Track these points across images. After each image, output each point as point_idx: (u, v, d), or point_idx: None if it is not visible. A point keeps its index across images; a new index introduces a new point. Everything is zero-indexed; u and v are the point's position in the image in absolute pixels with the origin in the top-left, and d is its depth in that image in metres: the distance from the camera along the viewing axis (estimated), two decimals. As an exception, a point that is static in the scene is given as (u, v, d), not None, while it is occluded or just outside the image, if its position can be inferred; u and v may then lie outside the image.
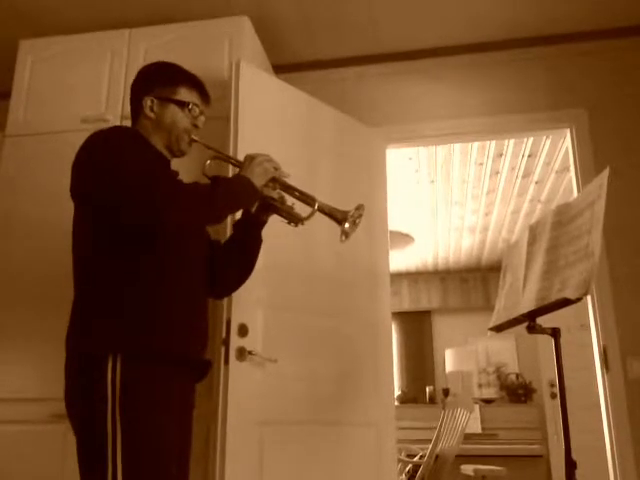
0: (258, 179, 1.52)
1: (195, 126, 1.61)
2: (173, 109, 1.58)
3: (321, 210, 1.54)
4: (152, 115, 1.58)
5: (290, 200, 1.62)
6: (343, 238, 1.53)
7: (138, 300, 1.38)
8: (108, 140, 1.44)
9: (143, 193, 1.33)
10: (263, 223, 1.69)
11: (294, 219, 1.60)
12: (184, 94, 1.60)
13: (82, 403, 1.33)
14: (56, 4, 2.72)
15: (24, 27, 2.81)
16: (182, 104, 1.58)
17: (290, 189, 1.59)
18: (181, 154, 1.63)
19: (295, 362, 2.18)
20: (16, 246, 2.35)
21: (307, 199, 1.56)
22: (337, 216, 1.54)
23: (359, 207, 1.55)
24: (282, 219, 1.63)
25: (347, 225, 1.52)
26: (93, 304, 1.39)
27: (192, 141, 1.61)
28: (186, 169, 1.70)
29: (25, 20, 2.81)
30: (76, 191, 1.45)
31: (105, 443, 1.26)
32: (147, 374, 1.34)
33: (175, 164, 1.65)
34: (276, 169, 1.57)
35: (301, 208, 1.60)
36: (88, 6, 2.73)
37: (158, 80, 1.61)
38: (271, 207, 1.63)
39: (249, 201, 1.59)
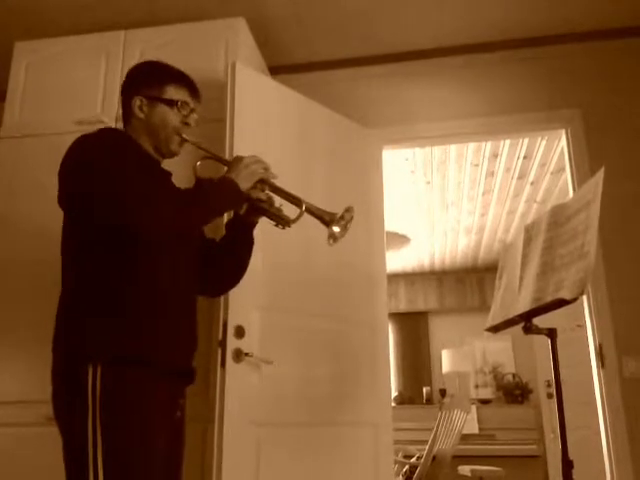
0: (244, 182, 1.49)
1: (186, 124, 1.58)
2: (162, 108, 1.55)
3: (309, 211, 1.52)
4: (142, 115, 1.55)
5: (279, 202, 1.60)
6: (331, 241, 1.50)
7: (122, 305, 1.37)
8: (91, 145, 1.43)
9: (120, 197, 1.31)
10: (253, 224, 1.68)
11: (282, 221, 1.58)
12: (172, 92, 1.57)
13: (65, 407, 1.33)
14: (51, 6, 2.71)
15: (19, 28, 2.80)
16: (171, 103, 1.56)
17: (278, 190, 1.57)
18: (171, 155, 1.60)
19: (292, 363, 2.18)
20: (12, 248, 2.34)
21: (294, 200, 1.54)
22: (325, 218, 1.51)
23: (348, 209, 1.52)
24: (270, 221, 1.61)
25: (336, 228, 1.50)
26: (77, 308, 1.38)
27: (183, 141, 1.58)
28: (179, 169, 1.68)
29: (20, 21, 2.80)
30: (61, 198, 1.44)
31: (86, 448, 1.26)
32: (128, 379, 1.32)
33: (169, 165, 1.63)
34: (266, 169, 1.54)
35: (290, 210, 1.57)
36: (83, 8, 2.72)
37: (145, 80, 1.59)
38: (259, 209, 1.61)
39: (234, 205, 1.57)
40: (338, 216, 1.50)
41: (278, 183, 1.57)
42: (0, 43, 2.83)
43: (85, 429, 1.27)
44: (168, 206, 1.37)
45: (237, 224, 1.68)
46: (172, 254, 1.49)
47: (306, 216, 1.54)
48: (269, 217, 1.61)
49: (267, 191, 1.57)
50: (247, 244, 1.70)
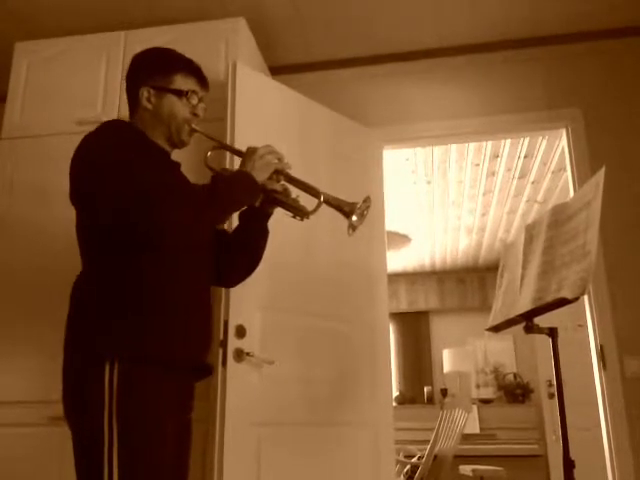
0: (260, 173, 1.46)
1: (195, 115, 1.55)
2: (170, 99, 1.52)
3: (327, 202, 1.48)
4: (149, 106, 1.52)
5: (295, 193, 1.56)
6: (350, 231, 1.47)
7: (137, 303, 1.36)
8: (97, 143, 1.40)
9: (139, 199, 1.28)
10: (268, 215, 1.65)
11: (299, 212, 1.54)
12: (181, 82, 1.53)
13: (79, 407, 1.32)
14: (52, 6, 2.71)
15: (20, 29, 2.81)
16: (179, 93, 1.52)
17: (294, 181, 1.53)
18: (182, 145, 1.57)
19: (293, 363, 2.18)
20: (13, 248, 2.34)
21: (312, 191, 1.49)
22: (344, 209, 1.47)
23: (366, 199, 1.49)
24: (286, 212, 1.56)
25: (355, 218, 1.46)
26: (92, 307, 1.36)
27: (193, 131, 1.55)
28: (187, 159, 1.67)
29: (21, 22, 2.80)
30: (72, 197, 1.42)
31: (101, 446, 1.25)
32: (144, 378, 1.32)
33: (176, 155, 1.61)
34: (280, 160, 1.51)
35: (306, 201, 1.54)
36: (83, 8, 2.72)
37: (152, 69, 1.55)
38: (275, 200, 1.56)
39: (251, 198, 1.53)
40: (357, 206, 1.47)
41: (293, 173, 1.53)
42: (0, 44, 2.84)
43: (100, 427, 1.26)
44: (184, 206, 1.34)
45: (252, 215, 1.64)
46: (185, 250, 1.46)
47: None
48: (285, 208, 1.56)
49: (283, 182, 1.53)
50: (262, 235, 1.67)
